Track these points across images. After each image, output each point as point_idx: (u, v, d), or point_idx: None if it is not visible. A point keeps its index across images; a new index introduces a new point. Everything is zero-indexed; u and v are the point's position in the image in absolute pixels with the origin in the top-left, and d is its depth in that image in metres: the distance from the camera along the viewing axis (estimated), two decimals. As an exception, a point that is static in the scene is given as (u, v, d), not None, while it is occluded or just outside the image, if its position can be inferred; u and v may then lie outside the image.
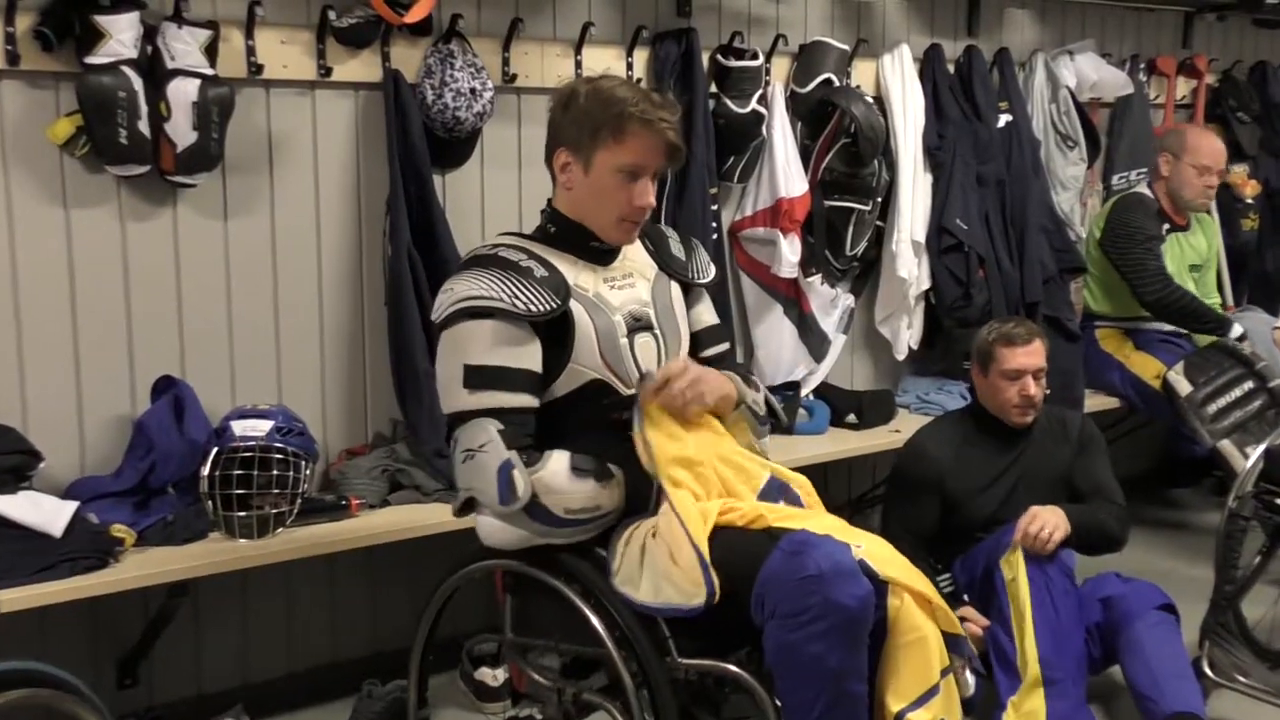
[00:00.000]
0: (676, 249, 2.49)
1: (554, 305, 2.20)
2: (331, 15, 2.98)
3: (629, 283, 2.35)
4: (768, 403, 2.48)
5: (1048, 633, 2.77)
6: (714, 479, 2.23)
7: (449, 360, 2.20)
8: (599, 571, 2.21)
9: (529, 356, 2.19)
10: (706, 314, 2.53)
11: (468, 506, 2.26)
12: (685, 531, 2.08)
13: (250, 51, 2.91)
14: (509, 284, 2.18)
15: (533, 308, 2.17)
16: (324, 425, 3.14)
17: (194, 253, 2.95)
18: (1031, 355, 3.08)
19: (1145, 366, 4.23)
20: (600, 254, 2.34)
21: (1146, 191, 4.36)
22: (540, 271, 2.22)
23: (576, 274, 2.29)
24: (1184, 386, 4.02)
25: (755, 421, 2.40)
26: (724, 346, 2.54)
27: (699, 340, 2.49)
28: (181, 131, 2.75)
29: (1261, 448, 3.14)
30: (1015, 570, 2.84)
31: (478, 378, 2.16)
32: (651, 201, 2.27)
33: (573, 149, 2.27)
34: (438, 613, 2.52)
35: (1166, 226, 4.31)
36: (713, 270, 2.54)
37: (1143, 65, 4.78)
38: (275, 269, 3.06)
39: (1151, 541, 4.39)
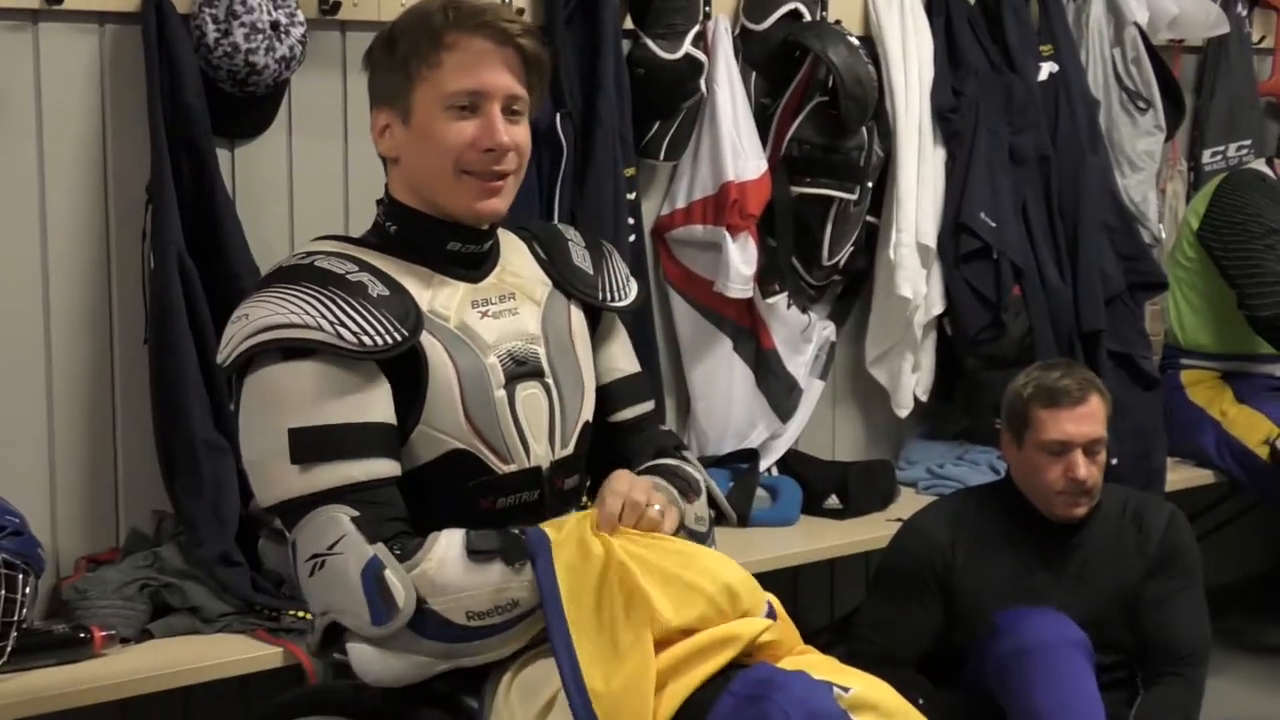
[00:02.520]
0: (579, 257, 2.51)
1: (398, 337, 2.19)
2: (64, -85, 2.98)
3: (509, 308, 2.36)
4: (710, 496, 2.49)
5: None
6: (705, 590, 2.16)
7: (261, 424, 2.18)
8: None
9: (376, 402, 2.18)
10: (622, 356, 2.54)
11: (330, 638, 2.24)
12: None
13: (-59, -34, 2.92)
14: (330, 306, 2.17)
15: (366, 339, 2.16)
16: (53, 522, 3.11)
17: None
18: (1083, 420, 3.12)
19: (1249, 427, 4.32)
20: (465, 261, 2.34)
21: (1266, 169, 4.48)
22: (377, 289, 2.22)
23: (432, 293, 2.29)
24: (1302, 457, 4.13)
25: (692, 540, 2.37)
26: (646, 407, 2.55)
27: (610, 397, 2.49)
28: None
29: None
30: None
31: (309, 446, 2.14)
32: (504, 139, 2.25)
33: (388, 103, 2.29)
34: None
35: None
36: (634, 288, 2.56)
37: (1242, -6, 4.93)
38: (-22, 288, 3.05)
39: (1266, 676, 4.47)
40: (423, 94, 2.25)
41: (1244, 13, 4.91)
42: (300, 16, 3.14)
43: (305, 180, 3.35)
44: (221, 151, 3.17)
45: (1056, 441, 3.10)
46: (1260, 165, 4.53)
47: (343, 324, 2.16)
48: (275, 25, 3.08)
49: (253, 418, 2.20)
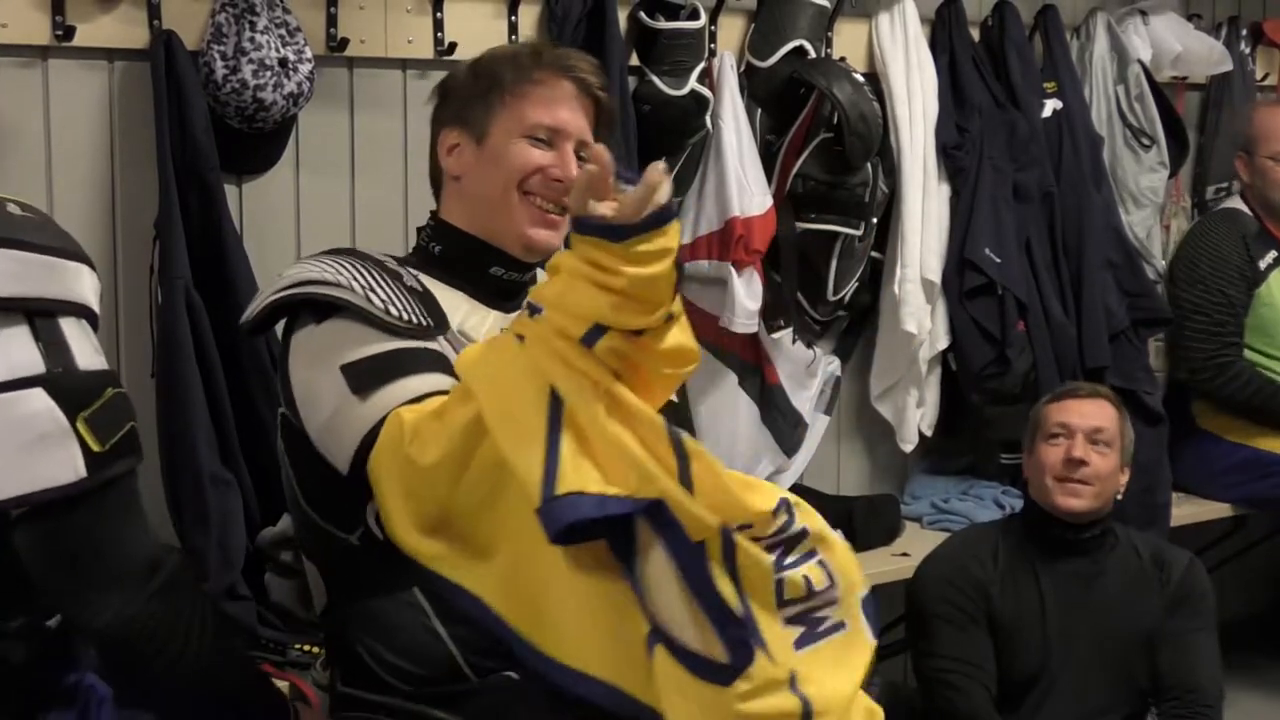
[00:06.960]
0: None
1: (424, 321, 2.21)
2: (75, -46, 3.00)
3: None
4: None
5: None
6: None
7: (317, 384, 2.17)
8: None
9: (424, 344, 2.20)
10: None
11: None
12: None
13: (-47, 4, 2.92)
14: (363, 275, 2.21)
15: (393, 309, 2.18)
16: (59, 555, 3.09)
17: None
18: (1089, 413, 3.17)
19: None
20: (503, 289, 2.38)
21: (1240, 205, 4.50)
22: (411, 282, 2.27)
23: (463, 315, 2.32)
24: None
25: None
26: None
27: None
28: None
29: None
30: None
31: (365, 374, 2.13)
32: (574, 173, 2.29)
33: (462, 124, 2.36)
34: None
35: (1274, 254, 4.43)
36: None
37: (1245, 32, 4.92)
38: (-13, 322, 3.02)
39: (1271, 713, 4.44)
40: (502, 119, 2.32)
41: (1247, 50, 4.92)
42: (308, 53, 3.15)
43: (312, 216, 3.35)
44: (229, 187, 3.18)
45: (1059, 424, 3.15)
46: (1235, 202, 4.54)
47: (373, 290, 2.19)
48: (283, 62, 3.09)
49: (311, 387, 2.19)
